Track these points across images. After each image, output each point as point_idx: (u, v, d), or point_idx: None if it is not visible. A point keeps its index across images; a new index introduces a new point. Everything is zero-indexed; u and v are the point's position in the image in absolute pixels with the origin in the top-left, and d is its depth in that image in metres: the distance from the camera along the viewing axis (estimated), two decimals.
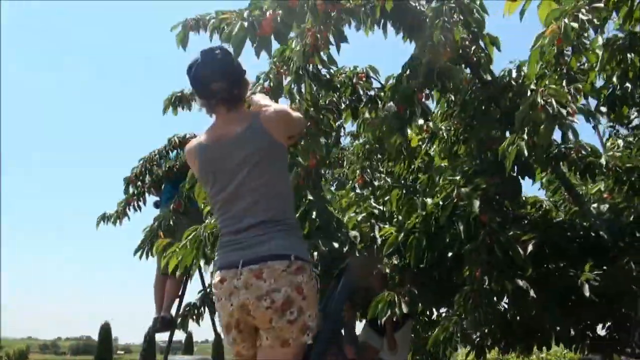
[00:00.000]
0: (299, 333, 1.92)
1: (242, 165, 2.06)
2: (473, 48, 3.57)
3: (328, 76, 3.22)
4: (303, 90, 3.03)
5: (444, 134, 4.07)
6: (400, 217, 3.78)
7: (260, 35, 2.49)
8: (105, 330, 35.00)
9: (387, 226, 3.73)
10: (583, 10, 2.14)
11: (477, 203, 3.06)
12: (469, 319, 2.80)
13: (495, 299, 2.97)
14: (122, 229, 5.74)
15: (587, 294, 3.34)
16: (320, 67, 3.07)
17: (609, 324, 4.03)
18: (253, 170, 2.05)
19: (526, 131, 2.64)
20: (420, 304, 3.85)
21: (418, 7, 3.42)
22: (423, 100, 3.24)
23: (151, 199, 5.44)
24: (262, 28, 2.47)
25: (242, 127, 2.10)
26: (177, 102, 4.97)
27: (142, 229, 5.43)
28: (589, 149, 3.54)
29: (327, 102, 3.29)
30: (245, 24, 3.06)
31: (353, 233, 3.41)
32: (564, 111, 2.43)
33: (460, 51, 3.48)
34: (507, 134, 3.46)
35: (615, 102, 3.10)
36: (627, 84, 2.91)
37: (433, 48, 2.76)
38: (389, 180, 4.33)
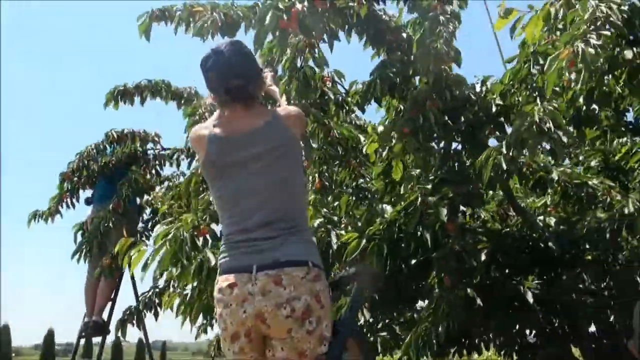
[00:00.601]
0: (317, 343, 1.82)
1: (257, 160, 1.95)
2: None
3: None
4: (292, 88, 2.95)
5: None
6: (350, 224, 3.76)
7: (281, 29, 2.41)
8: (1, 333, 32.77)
9: (342, 232, 3.69)
10: (594, 36, 2.20)
11: (444, 211, 3.09)
12: (442, 325, 2.80)
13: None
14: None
15: (531, 301, 3.47)
16: (312, 65, 3.01)
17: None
18: (269, 166, 1.94)
19: (505, 145, 2.69)
20: (379, 311, 3.83)
21: (384, 17, 3.43)
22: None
23: (85, 195, 5.14)
24: (289, 22, 2.38)
25: (261, 122, 2.01)
26: (120, 96, 4.73)
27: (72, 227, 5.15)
28: (541, 164, 3.69)
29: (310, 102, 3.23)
30: (216, 15, 2.97)
31: None
32: (560, 133, 2.50)
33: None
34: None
35: (580, 122, 3.23)
36: (594, 105, 3.04)
37: (437, 57, 2.75)
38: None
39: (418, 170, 3.53)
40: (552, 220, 3.93)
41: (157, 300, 4.08)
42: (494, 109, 3.25)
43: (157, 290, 4.17)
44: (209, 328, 4.74)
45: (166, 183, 5.23)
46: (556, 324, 4.10)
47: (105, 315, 4.78)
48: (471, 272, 3.17)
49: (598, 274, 3.54)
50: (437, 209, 3.09)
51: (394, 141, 3.71)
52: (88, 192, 5.16)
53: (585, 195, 3.69)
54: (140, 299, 4.21)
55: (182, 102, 4.85)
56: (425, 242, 3.14)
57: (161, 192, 4.96)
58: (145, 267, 2.95)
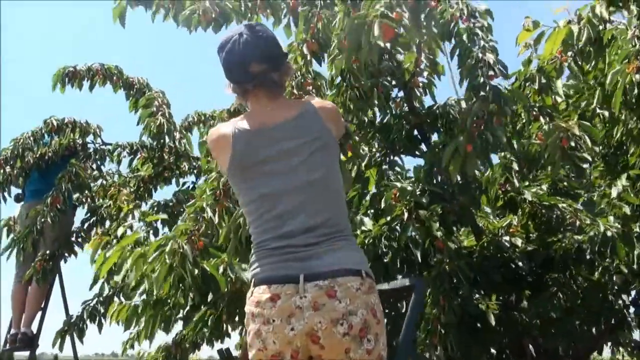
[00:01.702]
0: None
1: (292, 155, 1.72)
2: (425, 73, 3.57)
3: None
4: None
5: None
6: None
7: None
8: None
9: None
10: None
11: (435, 226, 3.00)
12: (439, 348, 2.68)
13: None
14: None
15: (493, 322, 3.45)
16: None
17: None
18: (306, 162, 1.71)
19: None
20: None
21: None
22: None
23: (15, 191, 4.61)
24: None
25: (293, 113, 1.78)
26: (68, 78, 4.28)
27: None
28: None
29: None
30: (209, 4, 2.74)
31: None
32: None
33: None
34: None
35: None
36: None
37: None
38: None
39: (400, 184, 3.42)
40: (518, 241, 3.96)
41: (102, 310, 3.68)
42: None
43: (101, 299, 3.76)
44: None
45: (100, 181, 4.79)
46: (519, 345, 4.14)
47: (34, 327, 4.28)
48: (457, 291, 3.09)
49: (573, 294, 3.58)
50: (430, 224, 2.98)
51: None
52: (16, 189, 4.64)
53: (555, 217, 3.74)
54: (82, 308, 3.76)
55: (133, 92, 4.45)
56: (415, 258, 3.03)
57: (99, 189, 4.53)
58: (118, 271, 2.61)
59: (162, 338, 4.87)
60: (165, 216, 3.76)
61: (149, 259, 2.46)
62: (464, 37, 2.66)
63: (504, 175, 3.58)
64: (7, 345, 4.27)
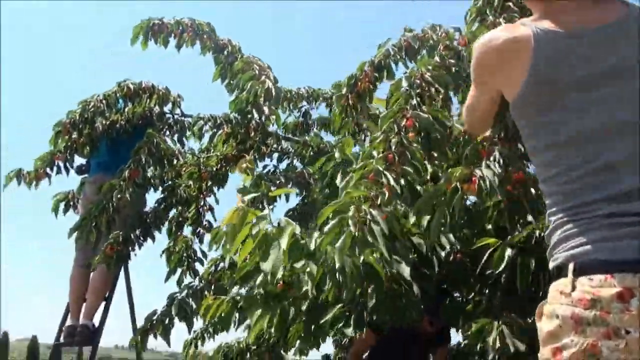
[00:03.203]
0: None
1: (622, 76, 1.14)
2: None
3: None
4: None
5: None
6: None
7: None
8: None
9: None
10: None
11: None
12: None
13: None
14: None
15: None
16: None
17: None
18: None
19: None
20: None
21: None
22: None
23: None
24: None
25: (619, 13, 1.20)
26: (152, 32, 3.67)
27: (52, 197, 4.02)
28: None
29: None
30: None
31: None
32: None
33: None
34: None
35: None
36: None
37: None
38: None
39: None
40: None
41: (194, 305, 3.03)
42: None
43: (191, 291, 3.11)
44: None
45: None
46: None
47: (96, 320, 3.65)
48: None
49: None
50: None
51: None
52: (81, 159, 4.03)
53: None
54: (171, 301, 3.08)
55: (224, 56, 3.81)
56: None
57: (181, 165, 3.89)
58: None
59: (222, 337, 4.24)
60: (296, 190, 3.12)
61: (325, 229, 1.80)
62: None
63: None
64: (63, 338, 3.63)
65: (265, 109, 3.86)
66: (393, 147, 2.11)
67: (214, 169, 3.95)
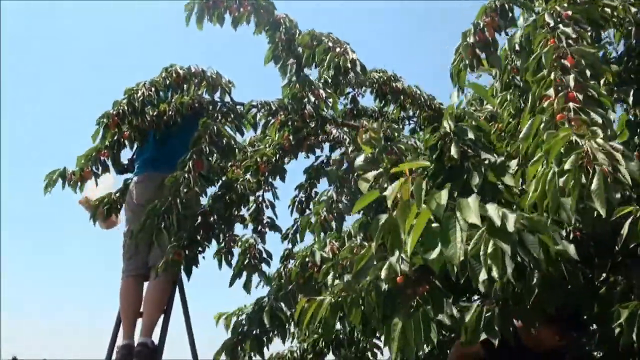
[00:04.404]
0: None
1: None
2: None
3: None
4: None
5: None
6: None
7: None
8: None
9: None
10: None
11: None
12: None
13: None
14: None
15: None
16: None
17: None
18: None
19: None
20: None
21: None
22: None
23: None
24: None
25: None
26: (207, 8, 3.28)
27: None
28: None
29: None
30: None
31: None
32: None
33: None
34: None
35: None
36: None
37: None
38: None
39: None
40: None
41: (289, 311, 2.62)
42: None
43: (281, 294, 2.71)
44: None
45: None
46: None
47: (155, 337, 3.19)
48: None
49: None
50: None
51: None
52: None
53: None
54: (260, 308, 2.67)
55: (279, 34, 3.42)
56: None
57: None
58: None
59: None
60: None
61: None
62: None
63: None
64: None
65: (322, 92, 3.50)
66: (572, 84, 1.77)
67: (273, 160, 3.58)
